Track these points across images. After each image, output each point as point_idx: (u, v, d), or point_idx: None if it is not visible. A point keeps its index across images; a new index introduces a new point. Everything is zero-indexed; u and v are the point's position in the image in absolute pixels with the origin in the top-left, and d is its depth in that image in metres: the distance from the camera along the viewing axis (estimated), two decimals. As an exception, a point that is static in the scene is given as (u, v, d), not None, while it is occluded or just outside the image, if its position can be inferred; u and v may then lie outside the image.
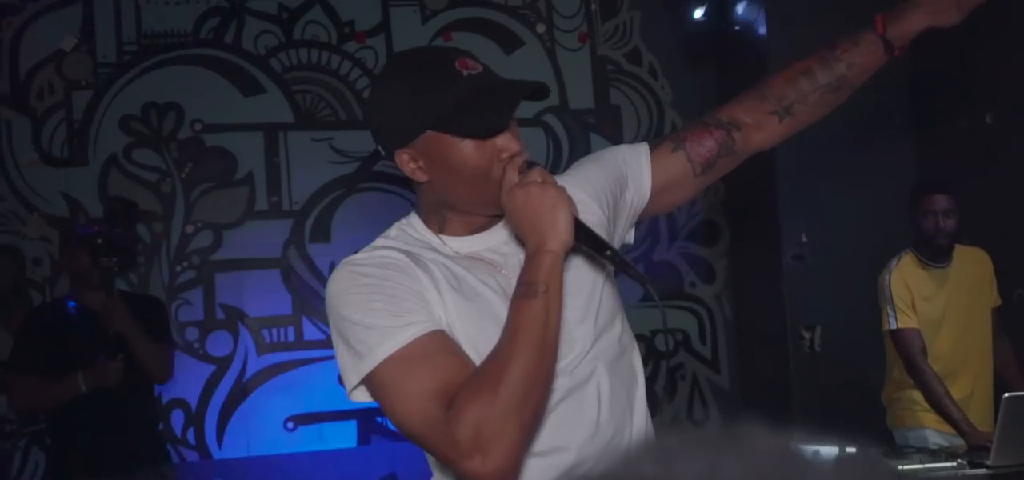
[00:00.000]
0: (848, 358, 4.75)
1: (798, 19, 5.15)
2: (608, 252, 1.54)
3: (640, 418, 1.65)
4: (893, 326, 3.84)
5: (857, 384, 4.47)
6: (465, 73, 1.49)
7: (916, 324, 3.82)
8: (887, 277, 3.89)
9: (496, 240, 1.61)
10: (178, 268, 5.18)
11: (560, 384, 1.52)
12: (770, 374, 5.31)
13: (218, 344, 5.17)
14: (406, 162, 1.54)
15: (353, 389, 1.51)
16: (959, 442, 3.66)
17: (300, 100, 5.37)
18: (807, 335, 5.02)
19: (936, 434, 3.81)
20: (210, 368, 5.15)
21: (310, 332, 5.16)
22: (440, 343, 1.46)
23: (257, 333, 5.19)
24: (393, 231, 1.64)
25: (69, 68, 5.12)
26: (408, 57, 1.60)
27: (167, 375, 3.94)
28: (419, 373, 1.43)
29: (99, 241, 3.67)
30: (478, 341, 1.49)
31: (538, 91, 1.56)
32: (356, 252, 1.59)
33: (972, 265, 3.96)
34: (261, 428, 5.12)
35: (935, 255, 3.89)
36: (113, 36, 5.18)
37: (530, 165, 1.52)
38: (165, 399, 4.95)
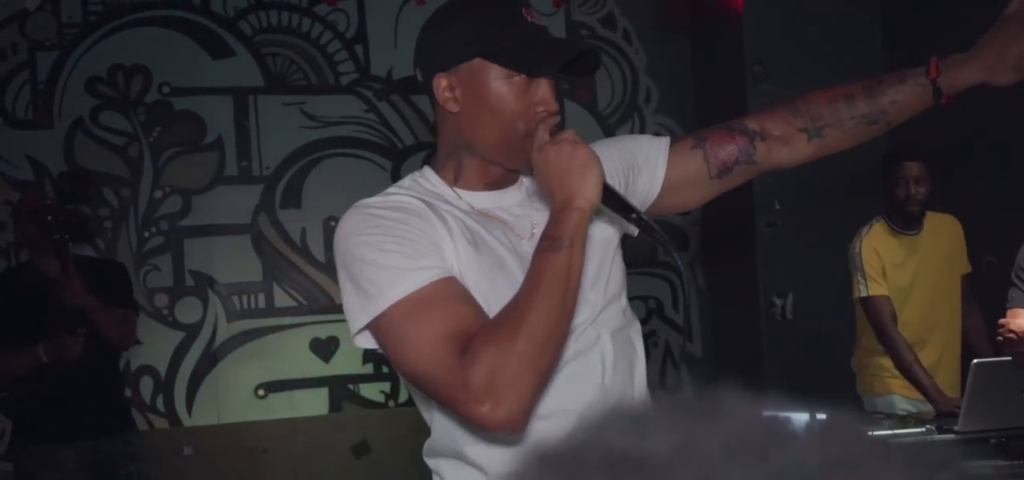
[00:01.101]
0: (820, 325, 4.77)
1: (773, -14, 5.14)
2: (634, 215, 1.54)
3: (641, 392, 1.65)
4: (863, 294, 3.85)
5: (828, 351, 4.50)
6: (528, 19, 1.52)
7: (886, 291, 3.84)
8: (858, 244, 3.90)
9: (510, 200, 1.61)
10: (146, 234, 5.11)
11: (568, 346, 1.51)
12: (742, 341, 5.34)
13: (187, 311, 5.12)
14: (443, 88, 1.53)
15: (358, 332, 1.48)
16: (927, 408, 3.69)
17: (270, 63, 5.30)
18: (779, 302, 5.04)
19: (904, 400, 3.84)
20: (179, 335, 5.09)
21: (281, 299, 5.11)
22: (453, 289, 1.44)
23: (227, 299, 5.14)
24: (407, 181, 1.62)
25: (33, 28, 5.02)
26: None
27: (129, 341, 3.89)
28: (432, 317, 1.40)
29: (49, 218, 3.61)
30: (489, 295, 1.47)
31: (590, 57, 1.58)
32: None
33: (943, 232, 3.98)
34: (231, 396, 5.08)
35: (906, 222, 3.90)
36: (78, -4, 5.08)
37: (561, 128, 1.53)
38: (133, 366, 4.90)
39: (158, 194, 5.13)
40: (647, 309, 5.74)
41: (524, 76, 1.51)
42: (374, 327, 1.45)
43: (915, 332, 3.83)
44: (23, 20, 4.99)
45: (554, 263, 1.40)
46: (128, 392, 4.72)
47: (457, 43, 1.51)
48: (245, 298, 5.17)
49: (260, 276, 5.16)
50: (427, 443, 1.62)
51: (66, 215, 3.62)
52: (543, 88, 1.52)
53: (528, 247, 1.51)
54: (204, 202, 5.18)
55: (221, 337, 5.12)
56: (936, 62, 1.63)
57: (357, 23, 5.41)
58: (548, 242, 1.42)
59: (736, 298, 5.40)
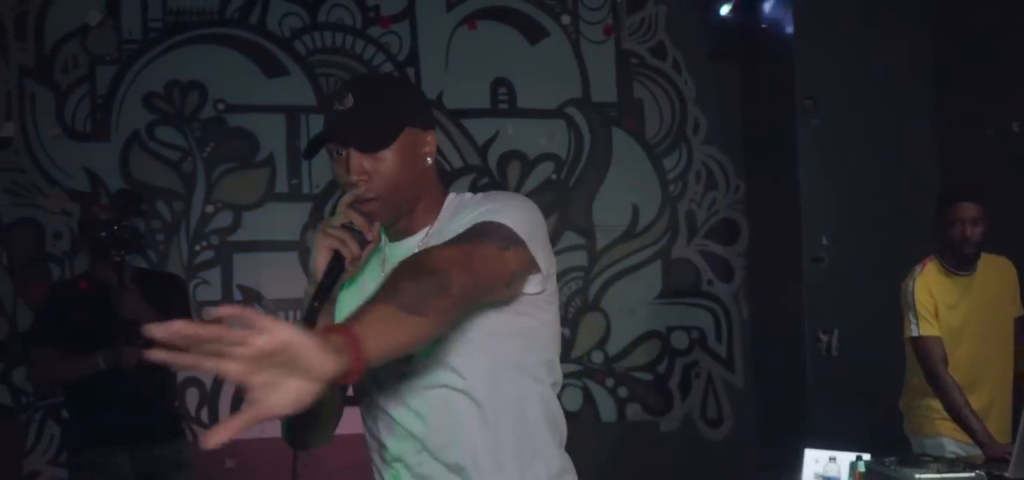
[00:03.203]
0: (866, 363, 4.71)
1: (825, 18, 5.11)
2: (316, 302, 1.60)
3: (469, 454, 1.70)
4: (915, 333, 3.80)
5: (875, 389, 4.44)
6: (334, 106, 1.70)
7: (938, 332, 3.78)
8: (911, 284, 3.85)
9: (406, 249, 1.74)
10: (197, 247, 5.19)
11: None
12: (786, 375, 5.28)
13: (234, 324, 5.17)
14: None
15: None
16: (976, 451, 3.63)
17: (323, 83, 5.37)
18: (825, 338, 4.99)
19: (954, 443, 3.77)
20: (226, 348, 5.15)
21: (325, 316, 5.14)
22: None
23: (274, 314, 5.18)
24: None
25: (94, 43, 5.14)
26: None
27: (181, 354, 3.95)
28: None
29: (102, 234, 3.73)
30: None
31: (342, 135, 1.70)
32: None
33: (996, 274, 3.92)
34: (275, 410, 5.12)
35: (960, 263, 3.85)
36: (139, 12, 5.19)
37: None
38: (181, 377, 4.96)
39: (210, 209, 5.21)
40: (690, 340, 5.71)
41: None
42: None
43: (966, 374, 3.77)
44: (85, 35, 5.12)
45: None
46: (176, 402, 4.78)
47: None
48: (291, 313, 5.22)
49: (306, 293, 5.20)
50: None
51: (122, 231, 3.71)
52: (338, 166, 1.71)
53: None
54: (254, 218, 5.25)
55: (266, 352, 5.17)
56: None
57: (409, 45, 5.47)
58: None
59: (781, 332, 5.35)
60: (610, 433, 5.50)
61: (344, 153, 1.67)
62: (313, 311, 1.57)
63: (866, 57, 5.08)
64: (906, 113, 5.12)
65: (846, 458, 3.43)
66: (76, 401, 3.86)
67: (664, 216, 5.72)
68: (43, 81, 5.08)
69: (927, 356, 3.77)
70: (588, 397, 5.53)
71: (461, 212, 1.69)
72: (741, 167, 5.79)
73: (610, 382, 5.61)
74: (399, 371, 1.69)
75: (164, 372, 3.93)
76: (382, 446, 1.79)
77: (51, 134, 5.07)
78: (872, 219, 4.99)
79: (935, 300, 3.81)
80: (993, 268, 3.92)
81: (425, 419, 1.70)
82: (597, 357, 5.58)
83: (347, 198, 1.65)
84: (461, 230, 1.60)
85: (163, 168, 5.18)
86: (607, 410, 5.58)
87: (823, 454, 3.50)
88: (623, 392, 5.62)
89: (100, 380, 3.68)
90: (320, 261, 1.59)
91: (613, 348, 5.60)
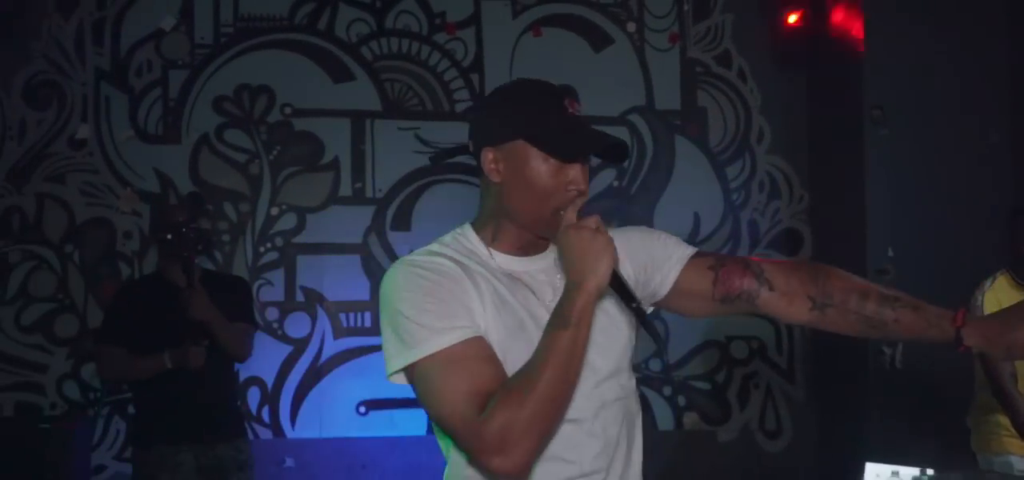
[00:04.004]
0: (932, 378, 4.61)
1: (896, 25, 5.03)
2: (634, 304, 1.69)
3: (638, 455, 1.84)
4: (982, 348, 3.71)
5: (940, 405, 4.35)
6: (569, 110, 1.73)
7: (1006, 347, 3.69)
8: (980, 297, 3.77)
9: (536, 266, 1.79)
10: (262, 248, 5.28)
11: (571, 406, 1.69)
12: (847, 388, 5.20)
13: (296, 325, 5.27)
14: (489, 161, 1.74)
15: (393, 373, 1.69)
16: (1046, 471, 3.54)
17: (388, 89, 5.43)
18: (888, 351, 4.90)
19: (1021, 461, 3.69)
20: (287, 348, 5.24)
21: (387, 318, 5.19)
22: (479, 349, 1.63)
23: (335, 317, 5.27)
24: (448, 238, 1.81)
25: (167, 48, 5.27)
26: (530, 82, 1.81)
27: (246, 354, 4.03)
28: (458, 373, 1.60)
29: (169, 237, 3.85)
30: (507, 352, 1.67)
31: (619, 148, 1.75)
32: (411, 252, 1.78)
33: (1069, 289, 3.82)
34: (334, 411, 5.20)
35: (1032, 277, 3.76)
36: (211, 18, 5.30)
37: (589, 213, 1.71)
38: (242, 377, 5.05)
39: (275, 211, 5.31)
40: (750, 350, 5.65)
41: (559, 159, 1.70)
42: (408, 372, 1.67)
43: (1035, 391, 3.68)
44: (159, 40, 5.25)
45: (561, 339, 1.59)
46: (239, 401, 4.87)
47: (505, 124, 1.72)
48: (352, 316, 5.29)
49: (368, 295, 5.27)
50: (445, 472, 1.82)
51: (189, 233, 3.80)
52: (575, 170, 1.71)
53: (545, 312, 1.69)
54: (318, 221, 5.33)
55: (327, 353, 5.25)
56: (963, 313, 1.74)
57: (474, 52, 5.51)
58: (558, 319, 1.61)
59: (843, 343, 5.25)
60: (667, 441, 5.47)
61: (579, 162, 1.73)
62: (641, 312, 1.70)
63: (937, 65, 4.99)
64: (978, 124, 5.01)
65: (909, 473, 3.36)
66: (143, 398, 3.95)
67: (726, 225, 5.67)
68: (118, 84, 5.22)
69: (995, 372, 3.68)
70: (645, 405, 5.50)
71: None
72: (805, 177, 5.71)
73: (668, 390, 5.58)
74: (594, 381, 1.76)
75: (228, 372, 4.02)
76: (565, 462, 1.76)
77: (124, 137, 5.20)
78: (940, 231, 4.89)
79: (1005, 315, 3.71)
80: (1066, 283, 3.82)
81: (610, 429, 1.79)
82: (655, 365, 5.56)
83: (577, 205, 1.72)
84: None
85: (230, 170, 5.28)
86: (664, 418, 5.54)
87: (885, 468, 3.43)
88: (681, 400, 5.58)
89: (166, 379, 3.77)
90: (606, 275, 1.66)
91: (671, 356, 5.57)
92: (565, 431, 1.70)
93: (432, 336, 1.62)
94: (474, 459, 1.65)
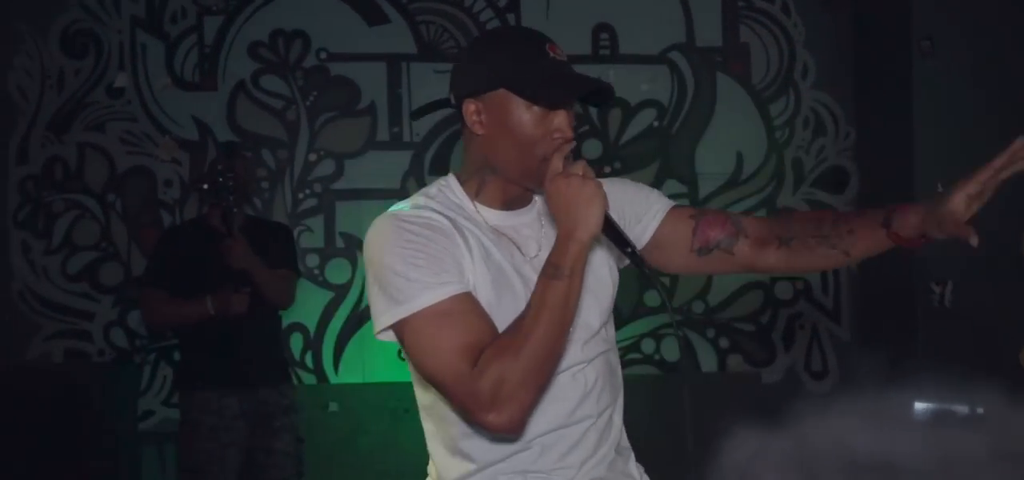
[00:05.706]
0: (983, 317, 4.51)
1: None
2: (629, 249, 1.68)
3: (620, 409, 1.86)
4: (1034, 285, 3.62)
5: (992, 345, 4.25)
6: (551, 55, 1.68)
7: (1060, 284, 3.60)
8: (1032, 233, 3.67)
9: (521, 221, 1.77)
10: (300, 195, 5.28)
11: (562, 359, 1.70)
12: (895, 328, 5.11)
13: (337, 271, 5.28)
14: (471, 113, 1.70)
15: (381, 331, 1.65)
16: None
17: (424, 31, 5.37)
18: (938, 290, 4.80)
19: (1076, 401, 3.60)
20: (329, 295, 5.26)
21: (427, 263, 5.18)
22: (470, 304, 1.61)
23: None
24: (433, 189, 1.78)
25: (201, -7, 5.26)
26: (511, 28, 1.81)
27: (288, 301, 4.04)
28: (450, 328, 1.57)
29: (205, 186, 3.87)
30: (495, 308, 1.65)
31: (605, 91, 1.70)
32: (395, 204, 1.75)
33: None
34: (376, 356, 5.21)
35: (1085, 211, 3.64)
36: (244, -37, 5.28)
37: (575, 157, 1.66)
38: (285, 323, 5.08)
39: (313, 157, 5.30)
40: (795, 290, 5.57)
41: (543, 107, 1.66)
42: (397, 328, 1.63)
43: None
44: (193, -15, 5.24)
45: (555, 290, 1.56)
46: (283, 348, 4.90)
47: (486, 74, 1.68)
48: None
49: (407, 240, 5.25)
50: (426, 433, 1.80)
51: (227, 181, 3.80)
52: (560, 118, 1.67)
53: (530, 268, 1.69)
54: (356, 166, 5.31)
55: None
56: (892, 208, 1.79)
57: (508, -7, 5.42)
58: (551, 269, 1.58)
59: (890, 282, 5.17)
60: (711, 383, 5.43)
61: (564, 109, 1.69)
62: (638, 257, 1.70)
63: (989, -5, 4.83)
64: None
65: (959, 412, 3.30)
66: (188, 345, 3.98)
67: (770, 164, 5.57)
68: (154, 32, 5.22)
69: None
70: (688, 347, 5.46)
71: None
72: (852, 113, 5.58)
73: (711, 332, 5.52)
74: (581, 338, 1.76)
75: (271, 318, 4.03)
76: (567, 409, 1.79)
77: (161, 85, 5.21)
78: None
79: (1059, 250, 3.62)
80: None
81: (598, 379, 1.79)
82: (698, 307, 5.50)
83: (563, 152, 1.67)
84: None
85: (268, 117, 5.27)
86: (708, 360, 5.50)
87: (934, 408, 3.38)
88: (724, 342, 5.53)
89: (210, 325, 3.79)
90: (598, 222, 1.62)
91: (714, 298, 5.51)
92: (555, 381, 1.70)
93: (423, 291, 1.59)
94: (466, 416, 1.62)
